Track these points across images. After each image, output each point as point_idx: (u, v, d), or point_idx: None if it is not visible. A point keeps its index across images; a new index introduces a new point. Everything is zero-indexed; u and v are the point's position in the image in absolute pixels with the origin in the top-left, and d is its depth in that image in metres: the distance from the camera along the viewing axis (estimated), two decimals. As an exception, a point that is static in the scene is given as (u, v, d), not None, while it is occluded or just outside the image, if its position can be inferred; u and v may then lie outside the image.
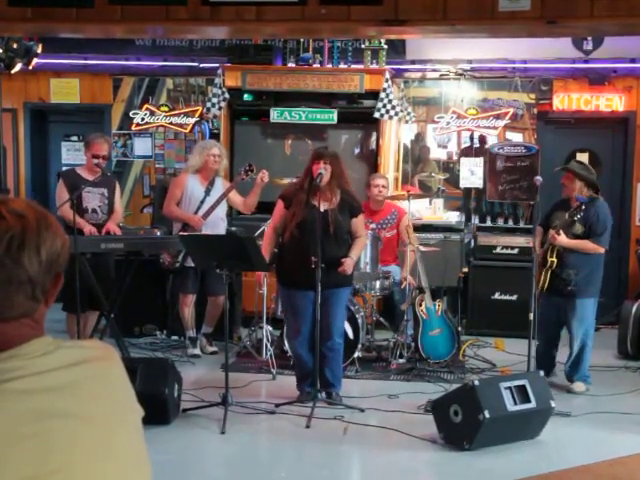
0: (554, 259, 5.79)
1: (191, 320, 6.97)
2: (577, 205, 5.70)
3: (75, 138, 9.48)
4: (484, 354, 7.06)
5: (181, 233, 6.35)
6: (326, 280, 5.35)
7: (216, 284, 6.66)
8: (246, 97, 8.10)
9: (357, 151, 8.36)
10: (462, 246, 8.10)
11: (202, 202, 6.80)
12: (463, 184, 8.68)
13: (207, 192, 6.83)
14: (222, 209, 6.90)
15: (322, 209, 5.40)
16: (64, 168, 9.30)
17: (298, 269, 5.43)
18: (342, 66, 8.17)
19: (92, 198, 6.44)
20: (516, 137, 8.73)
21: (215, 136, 8.69)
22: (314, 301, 5.36)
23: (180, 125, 9.11)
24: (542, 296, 5.92)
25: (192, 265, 6.64)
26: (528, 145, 8.55)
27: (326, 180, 5.45)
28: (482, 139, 8.69)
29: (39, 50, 6.67)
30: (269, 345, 6.58)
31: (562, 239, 5.74)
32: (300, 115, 8.02)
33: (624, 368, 6.77)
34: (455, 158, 8.83)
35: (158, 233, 6.68)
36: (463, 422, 4.68)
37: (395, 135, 8.36)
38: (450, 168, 8.82)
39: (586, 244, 5.86)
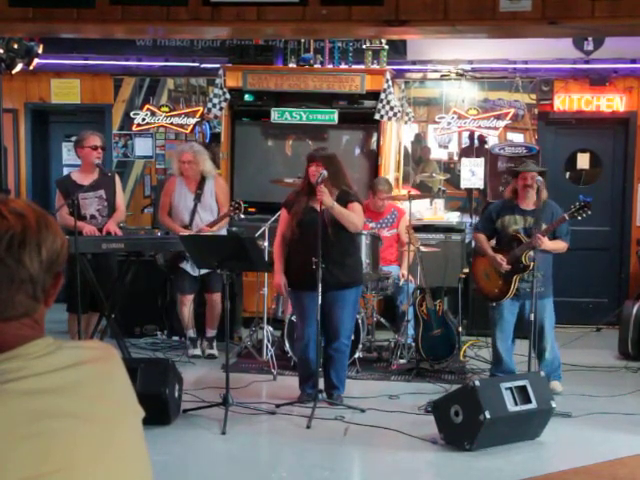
0: (532, 263, 5.71)
1: (190, 320, 6.97)
2: (585, 204, 5.62)
3: (76, 138, 9.47)
4: (485, 355, 7.05)
5: (181, 234, 6.34)
6: (331, 281, 5.35)
7: (212, 282, 6.68)
8: (247, 97, 8.10)
9: (358, 151, 8.35)
10: (463, 246, 8.10)
11: (194, 210, 6.76)
12: (464, 184, 8.68)
13: (197, 198, 6.78)
14: (214, 213, 6.85)
15: (319, 210, 5.41)
16: (64, 170, 9.35)
17: (302, 270, 5.43)
18: (343, 66, 8.18)
19: (89, 203, 6.39)
20: (517, 137, 8.73)
21: (216, 137, 8.70)
22: (320, 301, 5.36)
23: (181, 125, 9.10)
24: (503, 301, 5.90)
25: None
26: (529, 145, 8.55)
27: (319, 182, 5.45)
28: (481, 139, 8.68)
29: (40, 50, 6.65)
30: (270, 346, 6.58)
31: (547, 242, 5.72)
32: (301, 115, 8.01)
33: (625, 369, 6.77)
34: (456, 158, 8.83)
35: (159, 233, 6.69)
36: (464, 422, 4.68)
37: (396, 135, 8.36)
38: (451, 168, 8.82)
39: (561, 244, 5.87)
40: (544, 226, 5.74)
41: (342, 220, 5.42)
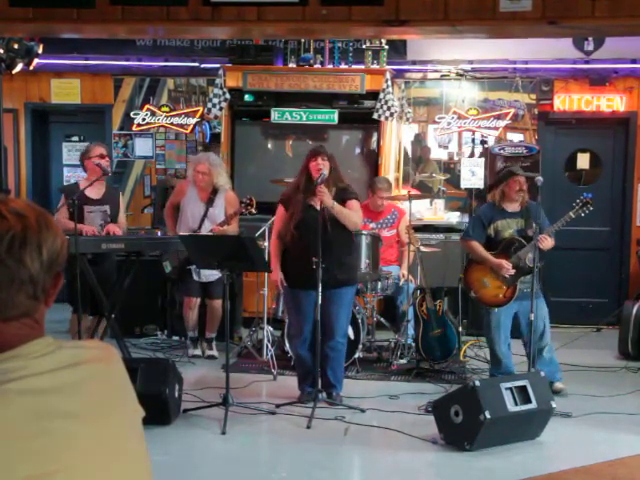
0: (539, 264, 5.71)
1: (194, 323, 6.95)
2: (587, 200, 5.61)
3: (76, 138, 9.48)
4: (485, 354, 7.05)
5: (181, 233, 6.33)
6: (328, 279, 5.35)
7: (214, 288, 6.67)
8: (247, 97, 8.10)
9: (358, 151, 8.36)
10: (463, 246, 8.10)
11: (205, 216, 6.71)
12: (464, 185, 8.68)
13: (209, 203, 6.72)
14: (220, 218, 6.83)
15: (319, 207, 5.41)
16: (64, 170, 9.33)
17: (300, 269, 5.44)
18: (343, 66, 8.18)
19: (94, 217, 6.37)
20: (517, 137, 8.73)
21: (216, 137, 8.70)
22: (316, 300, 5.36)
23: (181, 125, 9.11)
24: (502, 306, 5.86)
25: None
26: (529, 145, 8.55)
27: (324, 176, 5.46)
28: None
29: (40, 50, 6.65)
30: (270, 345, 6.58)
31: (551, 242, 5.72)
32: (301, 116, 8.01)
33: (625, 369, 6.77)
34: (456, 158, 8.83)
35: (159, 233, 6.68)
36: (464, 422, 4.68)
37: (396, 135, 8.36)
38: (451, 169, 8.82)
39: (553, 242, 5.86)
40: (534, 226, 5.75)
41: (342, 219, 5.44)
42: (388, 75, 7.79)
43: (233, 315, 7.13)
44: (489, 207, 6.03)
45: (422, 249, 6.77)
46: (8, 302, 1.24)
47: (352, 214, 5.51)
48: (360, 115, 7.99)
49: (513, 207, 5.90)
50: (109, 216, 6.49)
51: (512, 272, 5.79)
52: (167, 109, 9.10)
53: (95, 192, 6.43)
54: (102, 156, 6.41)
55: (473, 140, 8.72)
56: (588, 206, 5.59)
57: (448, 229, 8.26)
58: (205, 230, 6.66)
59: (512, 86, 8.65)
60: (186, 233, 6.65)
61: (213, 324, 6.94)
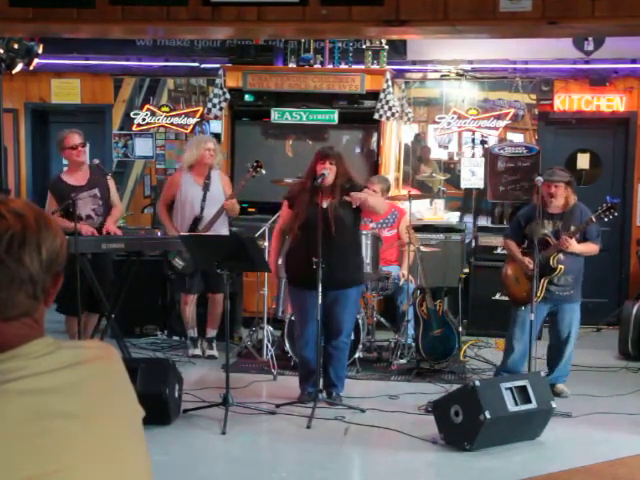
0: (561, 266, 5.73)
1: (192, 319, 6.96)
2: (612, 205, 5.58)
3: (76, 138, 9.47)
4: (485, 355, 7.07)
5: (182, 233, 6.33)
6: (334, 280, 5.35)
7: (216, 282, 6.67)
8: (247, 97, 8.10)
9: (358, 151, 8.35)
10: (463, 246, 8.11)
11: (204, 200, 6.75)
12: (464, 184, 8.68)
13: (206, 187, 6.78)
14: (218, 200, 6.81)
15: (324, 206, 5.40)
16: (64, 170, 9.33)
17: (305, 269, 5.41)
18: (343, 66, 8.18)
19: (84, 203, 6.23)
20: (517, 137, 8.73)
21: (216, 136, 8.69)
22: (321, 300, 5.36)
23: (181, 125, 9.11)
24: (530, 304, 5.84)
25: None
26: (529, 145, 8.55)
27: (330, 181, 5.45)
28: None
29: (40, 50, 6.65)
30: (270, 345, 6.58)
31: (575, 244, 5.71)
32: (301, 116, 8.01)
33: (625, 369, 6.78)
34: (456, 159, 8.83)
35: (159, 233, 6.68)
36: (464, 422, 4.68)
37: (396, 135, 8.36)
38: (451, 169, 8.82)
39: (591, 246, 5.84)
40: (572, 229, 5.74)
41: (375, 207, 5.56)
42: (388, 75, 7.79)
43: (233, 315, 7.12)
44: (530, 207, 6.05)
45: (422, 249, 6.77)
46: (8, 302, 1.24)
47: (377, 199, 5.78)
48: (360, 115, 7.99)
49: (555, 208, 5.87)
50: (100, 199, 6.36)
51: (533, 270, 5.78)
52: (167, 109, 9.11)
53: (78, 179, 6.31)
54: (74, 147, 6.29)
55: (473, 140, 8.73)
56: (612, 211, 5.55)
57: (448, 229, 8.25)
58: (207, 215, 6.69)
59: (512, 86, 8.65)
60: (190, 219, 6.73)
61: (215, 319, 6.94)
